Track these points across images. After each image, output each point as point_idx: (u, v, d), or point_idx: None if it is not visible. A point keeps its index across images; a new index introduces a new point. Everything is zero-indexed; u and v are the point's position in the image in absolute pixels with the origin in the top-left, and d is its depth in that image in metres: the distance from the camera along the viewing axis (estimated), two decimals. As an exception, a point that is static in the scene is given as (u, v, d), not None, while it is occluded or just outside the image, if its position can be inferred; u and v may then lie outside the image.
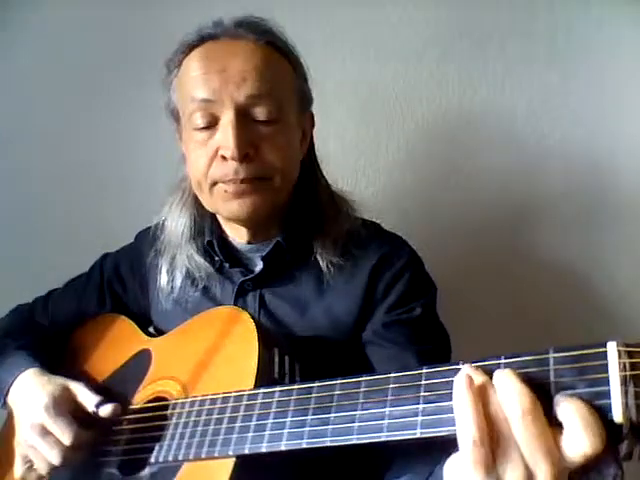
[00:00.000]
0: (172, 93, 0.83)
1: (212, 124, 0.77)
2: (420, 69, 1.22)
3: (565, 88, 1.19)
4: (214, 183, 0.78)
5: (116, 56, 1.23)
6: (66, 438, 0.72)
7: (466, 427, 0.45)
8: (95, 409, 0.76)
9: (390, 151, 1.24)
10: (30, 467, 0.76)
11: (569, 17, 1.18)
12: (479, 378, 0.47)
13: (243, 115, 0.76)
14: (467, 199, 1.22)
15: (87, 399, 0.77)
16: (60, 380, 0.80)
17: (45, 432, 0.74)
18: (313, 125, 0.90)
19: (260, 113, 0.76)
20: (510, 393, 0.44)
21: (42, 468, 0.75)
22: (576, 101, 1.19)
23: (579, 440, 0.42)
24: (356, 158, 1.24)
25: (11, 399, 0.82)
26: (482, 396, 0.46)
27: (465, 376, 0.47)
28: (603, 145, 1.19)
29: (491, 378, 0.47)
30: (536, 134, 1.20)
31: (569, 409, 0.43)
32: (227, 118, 0.75)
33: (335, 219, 0.85)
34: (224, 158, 0.76)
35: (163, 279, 0.90)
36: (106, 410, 0.76)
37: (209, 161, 0.77)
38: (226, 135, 0.75)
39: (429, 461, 0.58)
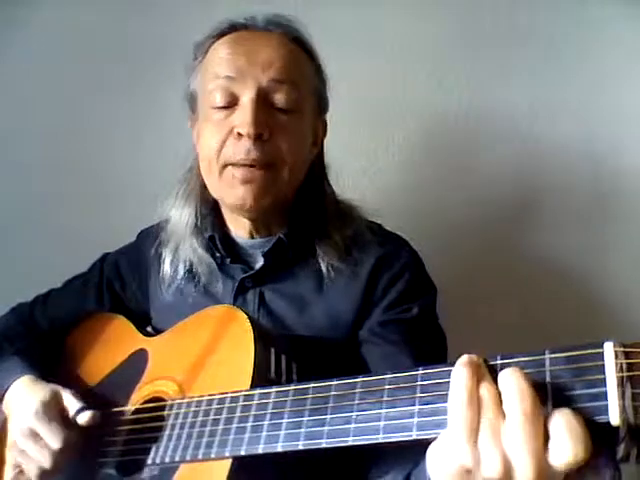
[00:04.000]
0: (194, 77, 0.84)
1: (231, 104, 0.78)
2: (420, 69, 1.21)
3: (565, 88, 1.18)
4: (224, 166, 0.79)
5: (116, 57, 1.23)
6: (55, 441, 0.73)
7: (459, 399, 0.45)
8: (75, 416, 0.76)
9: (391, 151, 1.24)
10: (20, 471, 0.77)
11: (569, 17, 1.17)
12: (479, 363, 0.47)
13: (263, 98, 0.77)
14: (467, 199, 1.22)
15: (70, 405, 0.77)
16: (51, 386, 0.80)
17: (35, 436, 0.74)
18: (325, 133, 0.90)
19: (279, 100, 0.78)
20: (515, 390, 0.44)
21: (32, 472, 0.75)
22: (576, 101, 1.18)
23: (563, 449, 0.41)
24: (357, 158, 1.24)
25: (5, 405, 0.82)
26: (478, 374, 0.46)
27: (466, 356, 0.47)
28: (603, 145, 1.18)
29: (494, 377, 0.46)
30: (536, 134, 1.20)
31: (559, 420, 0.42)
32: (247, 97, 0.77)
33: (339, 226, 0.85)
34: (239, 136, 0.76)
35: (166, 269, 0.90)
36: (84, 418, 0.76)
37: (223, 140, 0.78)
38: (244, 113, 0.76)
39: (413, 456, 0.58)
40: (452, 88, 1.21)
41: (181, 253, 0.88)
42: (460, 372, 0.47)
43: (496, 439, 0.43)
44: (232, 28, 0.82)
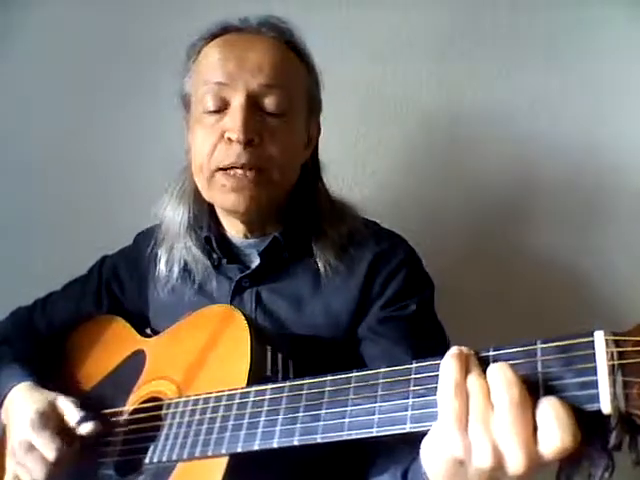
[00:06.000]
0: (187, 79, 0.84)
1: (222, 108, 0.78)
2: (420, 69, 1.21)
3: (565, 88, 1.18)
4: (215, 170, 0.78)
5: (116, 56, 1.23)
6: (50, 454, 0.72)
7: (447, 390, 0.46)
8: (77, 426, 0.76)
9: (390, 151, 1.24)
10: None
11: (569, 17, 1.17)
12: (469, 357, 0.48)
13: (253, 103, 0.77)
14: (467, 199, 1.22)
15: (70, 415, 0.77)
16: (49, 395, 0.79)
17: (31, 448, 0.73)
18: (319, 133, 0.90)
19: (270, 104, 0.78)
20: (502, 381, 0.44)
21: None
22: (576, 101, 1.18)
23: (551, 437, 0.42)
24: (356, 158, 1.24)
25: (4, 413, 0.82)
26: (467, 366, 0.47)
27: (455, 348, 0.48)
28: (602, 144, 1.18)
29: (486, 369, 0.47)
30: (536, 134, 1.19)
31: (544, 406, 0.43)
32: (237, 102, 0.76)
33: (335, 224, 0.85)
34: (229, 141, 0.76)
35: (162, 268, 0.90)
36: (86, 428, 0.75)
37: (214, 145, 0.78)
38: (234, 118, 0.76)
39: (410, 451, 0.57)
40: (452, 88, 1.21)
41: (175, 252, 0.88)
42: (448, 364, 0.47)
43: (486, 429, 0.44)
44: (224, 30, 0.82)
